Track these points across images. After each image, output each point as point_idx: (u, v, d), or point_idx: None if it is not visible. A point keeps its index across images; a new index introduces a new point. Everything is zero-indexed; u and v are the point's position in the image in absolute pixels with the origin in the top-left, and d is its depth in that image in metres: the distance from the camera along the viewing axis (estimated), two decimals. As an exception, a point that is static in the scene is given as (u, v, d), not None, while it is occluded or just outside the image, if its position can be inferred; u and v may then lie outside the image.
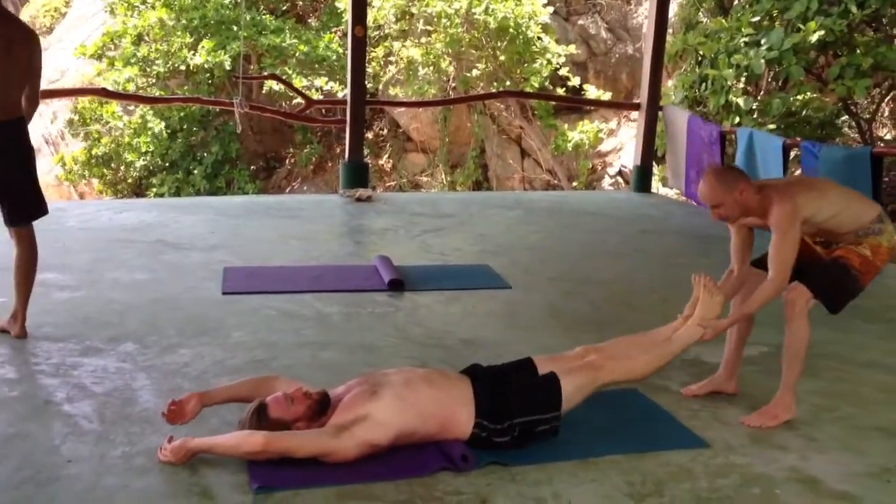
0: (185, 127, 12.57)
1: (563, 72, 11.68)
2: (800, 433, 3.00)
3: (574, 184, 11.97)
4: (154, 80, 12.36)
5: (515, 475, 2.65)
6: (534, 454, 2.77)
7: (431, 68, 11.87)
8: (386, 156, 13.51)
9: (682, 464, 2.75)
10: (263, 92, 12.52)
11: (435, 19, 11.64)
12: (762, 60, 7.84)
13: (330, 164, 13.23)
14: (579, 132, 11.59)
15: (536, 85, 11.33)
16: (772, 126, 8.08)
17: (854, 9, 7.57)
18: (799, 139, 7.22)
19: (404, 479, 2.58)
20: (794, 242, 2.96)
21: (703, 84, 8.59)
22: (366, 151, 12.93)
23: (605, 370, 2.93)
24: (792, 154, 7.16)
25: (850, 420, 3.13)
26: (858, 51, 7.77)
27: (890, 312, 4.65)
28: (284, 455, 2.56)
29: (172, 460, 2.61)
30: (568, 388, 2.84)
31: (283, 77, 11.25)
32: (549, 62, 11.51)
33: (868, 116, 9.03)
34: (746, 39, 8.17)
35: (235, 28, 11.98)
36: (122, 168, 12.73)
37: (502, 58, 11.63)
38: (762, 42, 7.96)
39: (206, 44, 12.00)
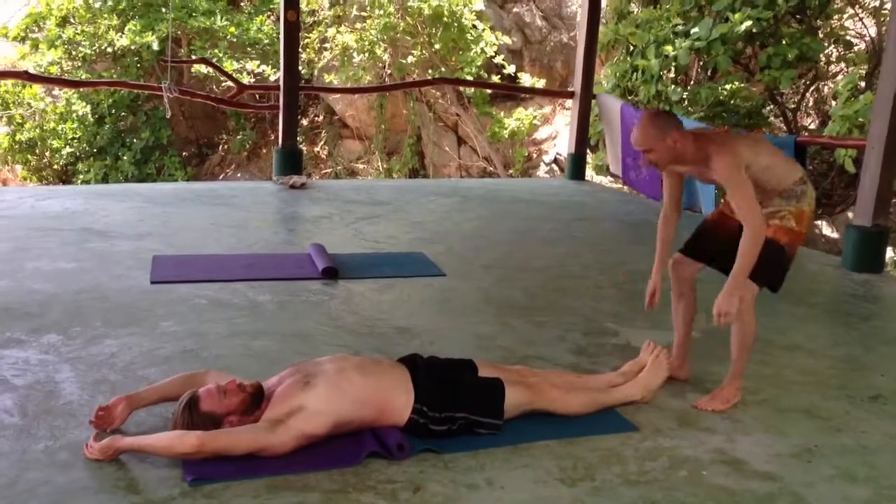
0: (113, 112, 12.25)
1: (499, 59, 11.72)
2: (725, 416, 3.08)
3: (510, 171, 12.05)
4: (80, 63, 11.99)
5: (448, 462, 2.65)
6: (467, 441, 2.78)
7: (366, 55, 11.79)
8: (321, 143, 13.38)
9: (613, 448, 2.80)
10: (194, 76, 12.26)
11: (368, 6, 11.55)
12: (688, 52, 7.99)
13: (264, 151, 13.05)
14: (515, 119, 11.66)
15: (472, 72, 11.35)
16: (700, 115, 8.25)
17: (780, 0, 7.77)
18: (727, 128, 7.38)
19: (337, 469, 2.57)
20: (747, 184, 2.95)
21: (635, 74, 8.72)
22: (301, 138, 12.81)
23: (544, 397, 2.95)
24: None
25: (774, 402, 3.22)
26: (784, 42, 7.98)
27: (813, 297, 4.80)
28: (220, 454, 2.52)
29: (100, 458, 2.54)
30: (508, 400, 2.86)
31: (214, 60, 11.03)
32: (484, 50, 11.54)
33: (793, 106, 9.29)
34: (676, 30, 8.31)
35: (164, 10, 11.69)
36: (48, 154, 12.35)
37: (437, 45, 11.61)
38: (691, 32, 8.11)
39: (133, 25, 11.68)
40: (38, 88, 11.99)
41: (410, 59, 11.75)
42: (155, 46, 11.51)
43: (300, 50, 10.99)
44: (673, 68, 8.48)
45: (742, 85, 8.78)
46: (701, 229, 3.36)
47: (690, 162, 3.05)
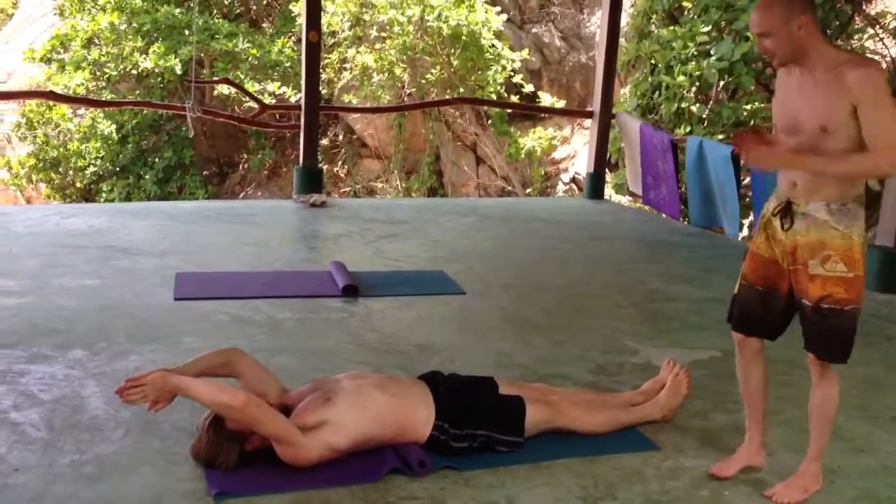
0: (136, 132, 12.40)
1: (518, 79, 11.78)
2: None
3: (528, 190, 12.07)
4: (105, 84, 12.16)
5: (469, 479, 2.66)
6: (487, 458, 2.79)
7: (386, 75, 11.88)
8: (341, 162, 13.47)
9: (634, 466, 2.79)
10: (216, 96, 12.41)
11: (388, 26, 11.66)
12: (714, 70, 8.01)
13: (284, 170, 13.15)
14: (532, 139, 11.70)
15: (491, 92, 11.41)
16: (720, 136, 8.25)
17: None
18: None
19: (358, 485, 2.58)
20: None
21: (657, 92, 8.74)
22: (320, 157, 12.90)
23: (565, 415, 2.96)
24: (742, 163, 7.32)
25: (796, 423, 3.20)
26: (804, 62, 7.98)
27: (833, 317, 4.77)
28: (253, 423, 2.54)
29: (148, 394, 2.52)
30: (529, 418, 2.87)
31: (236, 82, 11.16)
32: (504, 68, 11.60)
33: (813, 126, 9.27)
34: (696, 49, 8.34)
35: (187, 32, 11.86)
36: (71, 173, 12.50)
37: (456, 63, 11.69)
38: (712, 52, 8.13)
39: (157, 48, 11.85)
40: (65, 109, 12.18)
41: (429, 78, 11.84)
42: (178, 69, 11.67)
43: (320, 70, 11.11)
44: (695, 87, 8.50)
45: (763, 105, 8.78)
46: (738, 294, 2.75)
47: (814, 65, 2.41)
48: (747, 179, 7.52)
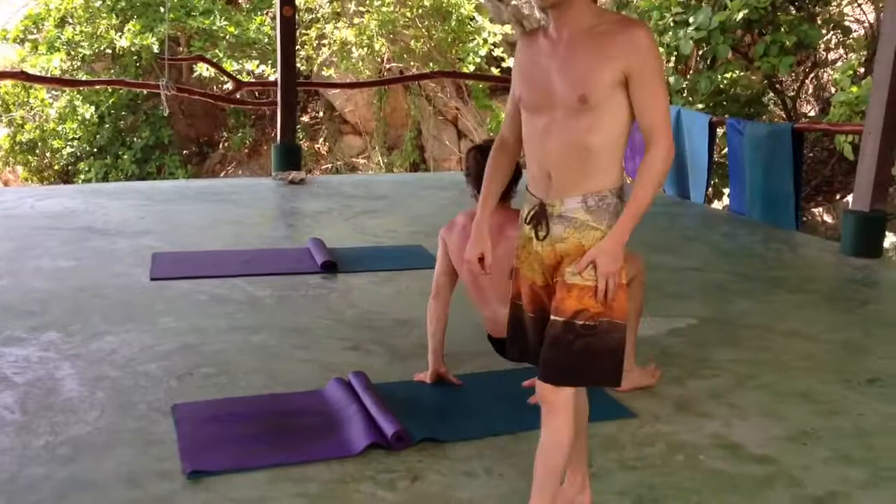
0: (113, 112, 12.25)
1: (499, 52, 11.71)
2: (723, 401, 3.09)
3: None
4: (80, 64, 11.99)
5: (447, 451, 2.67)
6: (466, 430, 2.80)
7: (365, 49, 11.78)
8: (321, 139, 13.38)
9: (610, 434, 2.81)
10: (194, 76, 12.27)
11: (366, 0, 11.55)
12: (690, 41, 7.98)
13: (264, 148, 13.04)
14: (513, 112, 11.64)
15: (472, 65, 11.34)
16: (700, 105, 8.23)
17: (777, -13, 7.77)
18: (726, 117, 7.38)
19: (337, 460, 2.58)
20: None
21: (635, 63, 8.70)
22: (301, 135, 12.81)
23: None
24: (720, 132, 7.32)
25: (771, 387, 3.23)
26: (782, 29, 7.96)
27: (811, 283, 4.81)
28: None
29: None
30: None
31: (214, 60, 11.03)
32: (485, 41, 11.52)
33: (792, 94, 9.27)
34: (675, 19, 8.30)
35: (162, 9, 11.69)
36: (48, 154, 12.36)
37: (436, 37, 11.60)
38: (690, 21, 8.09)
39: (133, 26, 11.69)
40: (44, 92, 12.02)
41: (410, 52, 11.75)
42: (155, 48, 11.52)
43: (298, 47, 11.00)
44: (674, 58, 8.46)
45: (742, 73, 8.76)
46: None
47: (575, 21, 1.96)
48: (725, 150, 7.53)
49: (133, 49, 11.70)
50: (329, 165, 12.92)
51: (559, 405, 2.04)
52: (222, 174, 12.93)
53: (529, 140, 2.07)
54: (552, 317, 2.01)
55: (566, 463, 2.11)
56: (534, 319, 2.11)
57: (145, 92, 11.70)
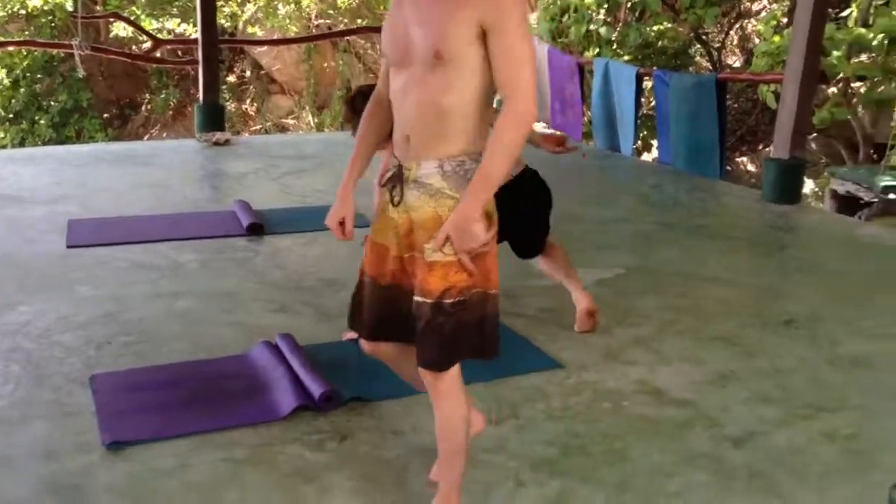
0: (28, 75, 11.76)
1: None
2: (647, 348, 3.14)
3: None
4: (-10, 26, 11.48)
5: (375, 410, 2.66)
6: (393, 388, 2.77)
7: (292, 5, 11.51)
8: (249, 99, 13.09)
9: (537, 385, 2.83)
10: (111, 35, 11.82)
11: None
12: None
13: (189, 110, 12.69)
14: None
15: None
16: (628, 57, 8.28)
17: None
18: (654, 68, 7.44)
19: (263, 423, 2.55)
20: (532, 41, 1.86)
21: (566, 14, 8.71)
22: (228, 95, 12.50)
23: None
24: (647, 83, 7.38)
25: (693, 332, 3.30)
26: (707, -20, 8.03)
27: (733, 229, 4.91)
28: None
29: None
30: None
31: (131, 18, 10.64)
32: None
33: (718, 45, 9.40)
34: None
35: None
36: (-40, 121, 11.85)
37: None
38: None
39: (45, -17, 11.21)
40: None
41: (337, 8, 11.52)
42: (69, 6, 11.05)
43: (222, 2, 10.68)
44: (604, 9, 8.48)
45: (669, 25, 8.83)
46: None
47: None
48: (652, 102, 7.61)
49: (46, 8, 11.21)
50: (258, 126, 12.67)
51: (445, 390, 1.95)
52: (146, 137, 12.57)
53: (392, 99, 1.91)
54: (416, 297, 1.87)
55: (469, 435, 2.04)
56: (381, 289, 1.97)
57: (62, 53, 11.24)
